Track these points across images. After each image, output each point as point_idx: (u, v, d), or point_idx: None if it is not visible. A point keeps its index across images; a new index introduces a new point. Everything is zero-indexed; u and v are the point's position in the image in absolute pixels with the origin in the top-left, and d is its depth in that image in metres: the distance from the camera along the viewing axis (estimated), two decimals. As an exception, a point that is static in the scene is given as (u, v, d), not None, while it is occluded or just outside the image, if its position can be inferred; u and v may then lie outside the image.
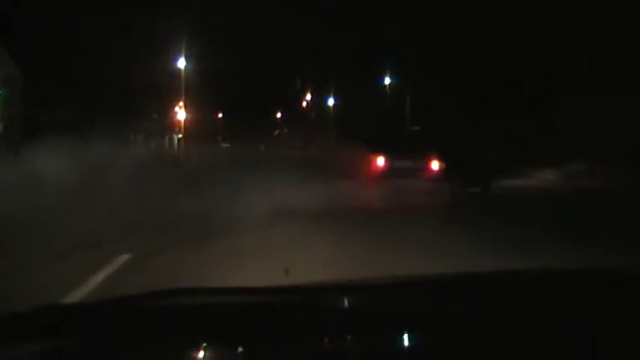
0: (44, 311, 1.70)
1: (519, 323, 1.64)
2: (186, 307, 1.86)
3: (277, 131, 42.27)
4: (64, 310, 1.85)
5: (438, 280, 2.32)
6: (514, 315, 1.72)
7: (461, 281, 2.20)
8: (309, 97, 44.17)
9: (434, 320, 1.71)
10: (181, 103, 34.97)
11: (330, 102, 41.03)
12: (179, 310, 1.83)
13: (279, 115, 47.50)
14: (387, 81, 35.27)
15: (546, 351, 1.48)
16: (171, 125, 35.86)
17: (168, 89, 31.82)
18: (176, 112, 35.62)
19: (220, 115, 45.00)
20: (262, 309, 1.83)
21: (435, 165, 17.21)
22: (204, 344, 1.57)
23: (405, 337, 1.64)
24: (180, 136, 35.75)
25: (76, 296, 4.90)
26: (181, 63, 32.77)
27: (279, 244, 7.61)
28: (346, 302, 1.98)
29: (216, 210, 9.51)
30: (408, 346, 1.63)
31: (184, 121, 35.66)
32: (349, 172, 16.40)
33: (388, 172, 17.12)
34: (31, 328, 1.61)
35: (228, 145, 36.74)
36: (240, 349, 1.57)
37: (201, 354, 1.57)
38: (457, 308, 1.80)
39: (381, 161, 17.99)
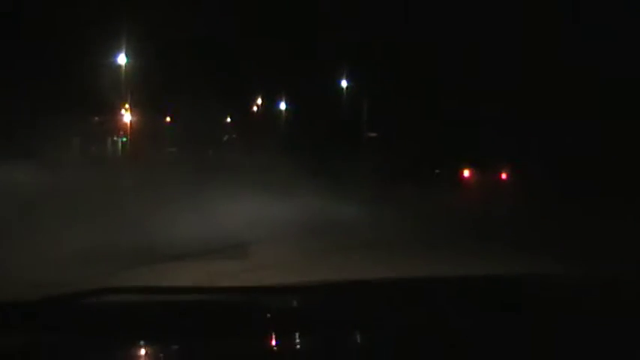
0: None
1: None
2: (114, 305, 1.84)
3: (226, 136, 41.15)
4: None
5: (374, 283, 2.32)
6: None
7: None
8: (259, 101, 43.03)
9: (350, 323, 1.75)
10: (127, 105, 33.61)
11: (282, 106, 39.95)
12: (106, 309, 1.82)
13: (228, 119, 46.23)
14: (344, 84, 34.07)
15: None
16: (115, 128, 34.21)
17: (111, 90, 30.20)
18: (121, 115, 34.10)
19: (168, 120, 43.49)
20: (190, 308, 1.85)
21: None
22: (130, 342, 1.59)
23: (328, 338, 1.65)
24: (124, 139, 34.17)
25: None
26: (121, 59, 30.98)
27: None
28: (272, 303, 1.98)
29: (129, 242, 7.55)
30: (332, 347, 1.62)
31: (130, 124, 34.16)
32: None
33: None
34: None
35: (174, 149, 35.68)
36: (165, 348, 1.60)
37: (127, 352, 1.60)
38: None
39: None
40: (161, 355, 1.64)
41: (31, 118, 21.07)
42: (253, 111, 43.54)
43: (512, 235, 9.69)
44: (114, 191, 13.00)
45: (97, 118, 31.69)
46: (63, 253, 6.17)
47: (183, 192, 12.82)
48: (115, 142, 34.75)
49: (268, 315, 1.89)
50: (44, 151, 17.58)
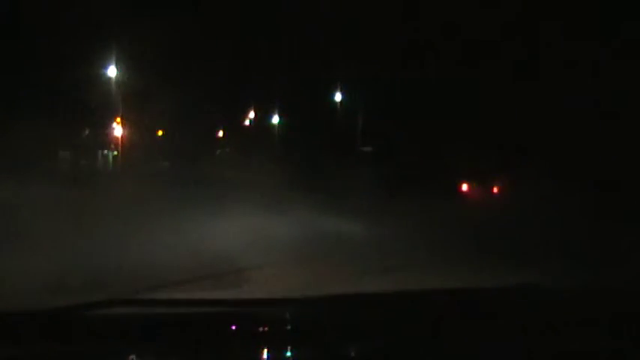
0: None
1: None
2: (122, 317, 1.89)
3: (219, 150, 40.79)
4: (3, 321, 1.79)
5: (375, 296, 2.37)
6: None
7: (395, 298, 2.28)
8: (252, 115, 42.63)
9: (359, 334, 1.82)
10: (118, 119, 33.16)
11: (275, 120, 39.53)
12: (117, 321, 1.87)
13: (220, 133, 45.83)
14: (338, 98, 33.60)
15: None
16: (106, 141, 33.73)
17: (102, 102, 29.74)
18: (113, 128, 33.64)
19: (160, 133, 43.04)
20: (201, 321, 1.90)
21: None
22: (135, 354, 1.67)
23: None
24: (115, 153, 33.70)
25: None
26: (112, 71, 30.48)
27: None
28: (272, 315, 2.00)
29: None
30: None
31: (121, 137, 33.70)
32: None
33: None
34: None
35: (167, 164, 35.35)
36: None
37: None
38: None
39: None
40: None
41: (18, 129, 20.51)
42: (245, 125, 43.18)
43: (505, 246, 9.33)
44: (99, 208, 12.24)
45: (87, 131, 31.17)
46: (27, 280, 5.31)
47: (174, 209, 12.23)
48: (105, 156, 34.29)
49: (267, 327, 1.89)
50: (30, 165, 17.05)
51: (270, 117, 39.57)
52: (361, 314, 2.01)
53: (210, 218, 10.30)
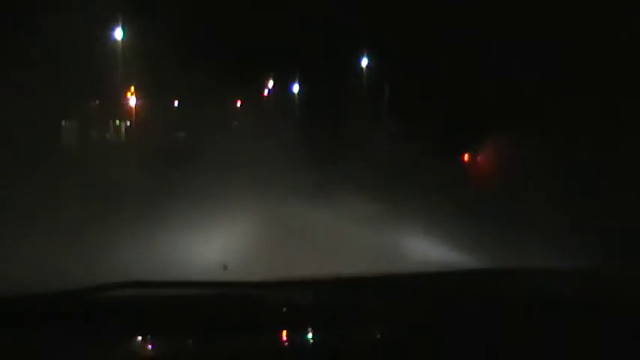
0: None
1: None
2: (132, 299, 1.92)
3: (237, 122, 39.26)
4: (11, 303, 1.84)
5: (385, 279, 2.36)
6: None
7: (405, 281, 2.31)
8: (271, 84, 40.80)
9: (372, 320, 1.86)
10: (132, 88, 31.53)
11: (295, 89, 37.59)
12: (125, 304, 1.91)
13: (239, 104, 44.20)
14: (365, 63, 30.93)
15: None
16: (118, 112, 32.00)
17: (111, 68, 27.89)
18: (127, 98, 32.00)
19: (176, 104, 41.48)
20: (204, 303, 1.94)
21: None
22: (149, 337, 1.70)
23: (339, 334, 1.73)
24: (128, 123, 32.01)
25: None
26: (118, 34, 28.45)
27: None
28: (286, 298, 2.06)
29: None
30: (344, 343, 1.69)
31: (135, 107, 32.04)
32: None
33: None
34: None
35: (183, 135, 34.01)
36: (182, 343, 1.67)
37: (146, 346, 1.70)
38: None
39: None
40: (174, 349, 1.67)
41: (20, 98, 18.94)
42: (264, 94, 41.43)
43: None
44: (104, 186, 10.91)
45: (97, 102, 29.43)
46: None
47: (190, 188, 10.84)
48: (118, 127, 32.56)
49: (283, 309, 1.90)
50: (32, 137, 15.77)
51: (291, 86, 37.65)
52: (371, 298, 1.99)
53: (229, 203, 8.66)
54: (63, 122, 24.98)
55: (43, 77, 22.85)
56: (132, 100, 31.96)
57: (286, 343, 1.70)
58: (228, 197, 9.11)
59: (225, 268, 4.82)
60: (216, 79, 36.72)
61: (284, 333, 1.75)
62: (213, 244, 6.78)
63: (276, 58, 34.60)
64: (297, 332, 1.74)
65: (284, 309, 1.95)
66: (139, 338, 1.69)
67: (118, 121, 32.56)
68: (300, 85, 37.13)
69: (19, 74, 20.43)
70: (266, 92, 41.51)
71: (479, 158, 19.34)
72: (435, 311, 1.85)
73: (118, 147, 27.99)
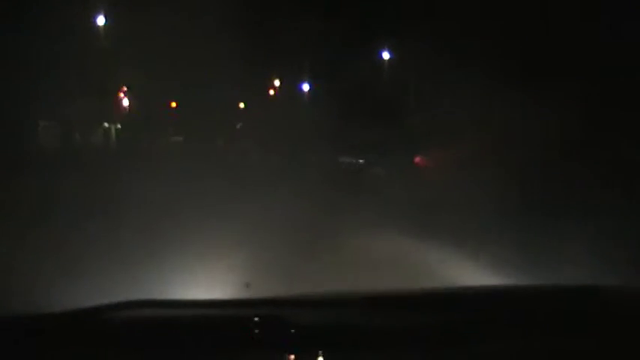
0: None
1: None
2: (146, 320, 1.80)
3: (240, 124, 36.33)
4: (21, 323, 1.78)
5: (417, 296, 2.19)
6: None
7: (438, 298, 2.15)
8: (277, 83, 37.61)
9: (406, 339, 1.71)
10: (124, 87, 28.35)
11: (305, 87, 34.28)
12: (138, 324, 1.78)
13: (242, 105, 41.18)
14: (387, 56, 27.53)
15: None
16: (108, 112, 28.58)
17: (99, 63, 24.40)
18: (117, 97, 28.80)
19: (174, 105, 38.34)
20: (222, 323, 1.80)
21: None
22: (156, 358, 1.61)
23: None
24: (119, 126, 28.66)
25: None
26: (100, 20, 24.82)
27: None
28: (309, 317, 1.89)
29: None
30: None
31: (128, 107, 28.83)
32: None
33: None
34: None
35: (180, 139, 31.09)
36: None
37: None
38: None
39: None
40: None
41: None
42: (270, 95, 38.30)
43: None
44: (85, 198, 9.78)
45: (81, 101, 26.05)
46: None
47: (183, 205, 9.27)
48: (107, 130, 29.17)
49: (293, 330, 1.77)
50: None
51: (300, 84, 34.33)
52: (396, 316, 1.85)
53: (230, 225, 7.41)
54: (40, 123, 21.77)
55: (17, 72, 19.71)
56: (124, 101, 28.77)
57: None
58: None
59: (247, 285, 4.43)
60: (217, 78, 33.98)
61: (309, 355, 1.59)
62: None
63: (283, 53, 31.33)
64: (324, 355, 1.58)
65: (309, 329, 1.72)
66: None
67: (106, 124, 29.20)
68: (310, 83, 33.88)
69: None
70: (272, 92, 38.58)
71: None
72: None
73: (106, 152, 24.68)
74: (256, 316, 1.81)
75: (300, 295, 2.25)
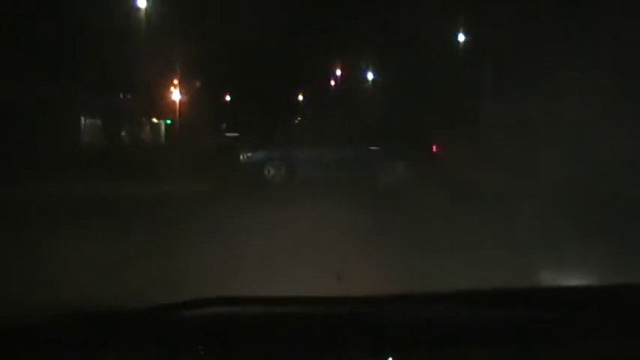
0: (74, 318, 1.66)
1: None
2: (221, 317, 1.76)
3: (299, 118, 34.24)
4: (96, 318, 1.74)
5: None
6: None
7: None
8: (339, 72, 35.19)
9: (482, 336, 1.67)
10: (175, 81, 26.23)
11: (370, 76, 31.66)
12: (215, 321, 1.74)
13: (300, 97, 39.03)
14: (461, 38, 24.40)
15: None
16: (157, 107, 26.46)
17: (151, 58, 22.18)
18: (169, 92, 26.75)
19: (228, 99, 36.43)
20: (302, 321, 1.76)
21: None
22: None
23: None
24: (169, 121, 26.50)
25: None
26: (143, 11, 22.43)
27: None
28: (393, 316, 1.81)
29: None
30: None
31: (178, 101, 26.72)
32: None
33: None
34: (57, 337, 1.57)
35: (235, 135, 28.96)
36: None
37: None
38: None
39: None
40: None
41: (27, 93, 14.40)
42: (331, 85, 35.99)
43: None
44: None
45: (127, 95, 23.95)
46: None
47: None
48: (155, 126, 27.05)
49: (388, 330, 1.70)
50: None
51: (364, 73, 31.73)
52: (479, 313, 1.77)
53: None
54: (83, 120, 19.78)
55: (57, 64, 17.81)
56: (175, 94, 26.63)
57: None
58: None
59: (339, 278, 4.25)
60: (274, 69, 31.93)
61: (402, 355, 1.55)
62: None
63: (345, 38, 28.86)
64: (419, 354, 1.55)
65: (407, 329, 1.66)
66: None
67: (155, 119, 27.08)
68: (374, 71, 31.29)
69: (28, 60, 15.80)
70: (332, 83, 36.23)
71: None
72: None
73: (155, 149, 22.67)
74: (346, 314, 1.74)
75: (387, 293, 2.02)
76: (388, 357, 1.61)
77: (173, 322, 1.75)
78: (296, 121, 34.34)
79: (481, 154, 16.50)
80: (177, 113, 26.43)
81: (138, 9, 21.29)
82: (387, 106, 24.47)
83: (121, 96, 23.09)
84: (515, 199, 8.88)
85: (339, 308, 1.86)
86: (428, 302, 1.94)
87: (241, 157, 15.36)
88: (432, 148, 17.14)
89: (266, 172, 14.76)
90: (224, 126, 31.28)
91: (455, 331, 1.69)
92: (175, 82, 26.54)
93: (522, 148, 15.78)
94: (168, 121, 26.76)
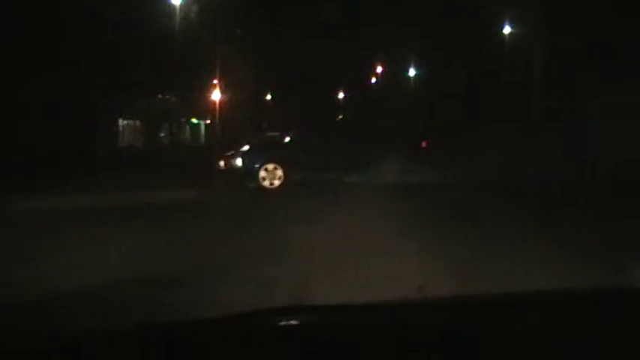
0: (142, 330, 1.63)
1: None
2: (295, 327, 1.76)
3: (340, 116, 33.76)
4: (163, 330, 1.71)
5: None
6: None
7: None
8: (380, 69, 34.55)
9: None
10: (215, 81, 25.97)
11: (411, 72, 30.93)
12: (289, 331, 1.74)
13: (341, 95, 38.49)
14: (507, 30, 23.57)
15: None
16: (197, 107, 26.24)
17: (187, 59, 21.92)
18: (209, 92, 26.51)
19: (269, 98, 36.10)
20: (380, 330, 1.71)
21: None
22: None
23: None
24: (208, 122, 26.23)
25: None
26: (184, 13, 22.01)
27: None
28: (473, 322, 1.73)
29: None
30: None
31: (218, 102, 26.46)
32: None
33: None
34: (131, 349, 1.56)
35: (277, 134, 28.55)
36: None
37: None
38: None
39: None
40: None
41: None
42: (371, 83, 35.39)
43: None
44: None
45: (167, 97, 23.77)
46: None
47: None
48: (195, 127, 26.83)
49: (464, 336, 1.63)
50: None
51: (406, 69, 31.02)
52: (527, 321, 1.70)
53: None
54: (121, 121, 19.62)
55: (90, 64, 17.59)
56: (215, 94, 26.35)
57: None
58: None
59: (421, 288, 4.12)
60: (315, 66, 31.50)
61: None
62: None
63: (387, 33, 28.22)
64: None
65: (498, 335, 1.60)
66: None
67: (194, 120, 26.87)
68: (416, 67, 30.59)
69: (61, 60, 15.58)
70: (374, 80, 35.60)
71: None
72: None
73: (196, 151, 22.39)
74: (432, 324, 1.69)
75: (455, 296, 2.18)
76: None
77: (252, 329, 1.72)
78: (338, 118, 34.02)
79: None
80: (217, 113, 26.24)
81: (177, 11, 20.95)
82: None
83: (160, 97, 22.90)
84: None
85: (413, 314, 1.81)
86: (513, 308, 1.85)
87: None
88: None
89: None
90: (265, 125, 31.01)
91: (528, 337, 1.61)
92: (215, 82, 26.36)
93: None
94: (208, 122, 26.53)
